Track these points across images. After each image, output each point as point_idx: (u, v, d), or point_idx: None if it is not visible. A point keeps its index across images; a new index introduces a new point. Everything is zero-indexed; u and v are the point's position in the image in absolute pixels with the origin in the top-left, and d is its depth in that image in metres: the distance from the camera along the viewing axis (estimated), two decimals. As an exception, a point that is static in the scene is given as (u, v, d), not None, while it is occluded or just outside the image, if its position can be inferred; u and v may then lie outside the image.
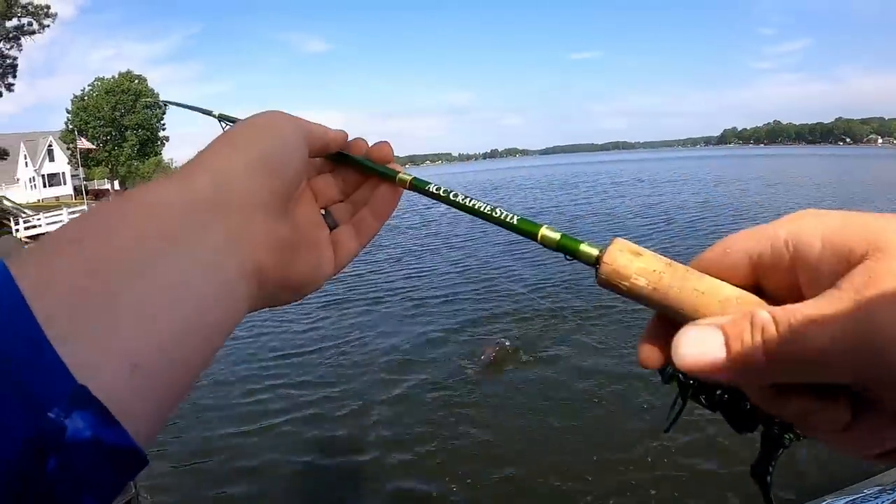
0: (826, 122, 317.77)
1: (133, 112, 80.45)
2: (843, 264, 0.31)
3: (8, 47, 50.32)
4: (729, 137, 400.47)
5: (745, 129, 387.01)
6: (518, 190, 33.06)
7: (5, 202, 42.04)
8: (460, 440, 5.48)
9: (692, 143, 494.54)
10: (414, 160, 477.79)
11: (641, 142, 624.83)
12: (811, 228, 0.33)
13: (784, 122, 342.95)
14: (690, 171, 45.05)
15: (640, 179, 35.03)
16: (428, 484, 4.84)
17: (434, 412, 6.10)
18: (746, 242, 0.36)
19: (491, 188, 37.26)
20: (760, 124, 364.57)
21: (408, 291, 11.29)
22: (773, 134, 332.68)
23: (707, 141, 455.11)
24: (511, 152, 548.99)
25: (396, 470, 5.09)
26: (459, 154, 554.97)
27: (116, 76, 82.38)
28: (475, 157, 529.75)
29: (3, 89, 50.15)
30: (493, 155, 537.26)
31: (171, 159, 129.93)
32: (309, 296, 0.54)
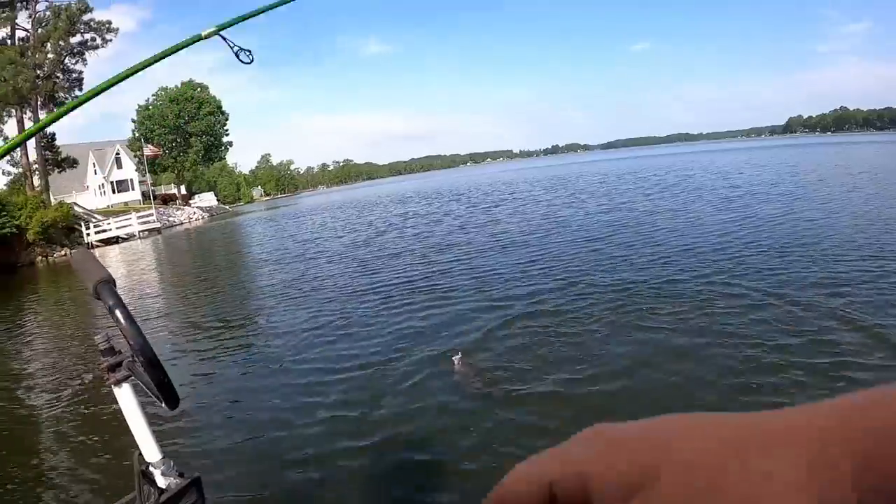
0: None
1: (197, 119, 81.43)
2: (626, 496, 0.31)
3: (73, 62, 50.81)
4: (794, 125, 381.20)
5: (810, 117, 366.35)
6: (586, 185, 30.48)
7: (76, 208, 41.94)
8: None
9: (756, 132, 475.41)
10: (474, 158, 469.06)
11: (704, 133, 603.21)
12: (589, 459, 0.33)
13: (851, 108, 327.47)
14: (761, 160, 41.19)
15: (711, 171, 31.70)
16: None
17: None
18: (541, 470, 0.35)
19: (558, 184, 34.41)
20: (827, 111, 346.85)
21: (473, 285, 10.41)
22: (841, 121, 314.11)
23: (772, 130, 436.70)
24: (572, 147, 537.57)
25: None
26: (520, 150, 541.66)
27: (179, 85, 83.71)
28: (536, 154, 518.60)
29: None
30: (553, 151, 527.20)
31: (236, 163, 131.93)
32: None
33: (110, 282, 1.27)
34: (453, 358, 6.32)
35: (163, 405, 1.25)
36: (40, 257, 34.64)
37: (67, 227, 37.34)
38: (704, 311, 7.25)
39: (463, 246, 14.12)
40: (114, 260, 29.43)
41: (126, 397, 1.40)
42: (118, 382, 1.39)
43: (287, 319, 10.16)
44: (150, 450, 1.40)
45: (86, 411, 7.18)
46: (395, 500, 4.37)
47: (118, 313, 1.20)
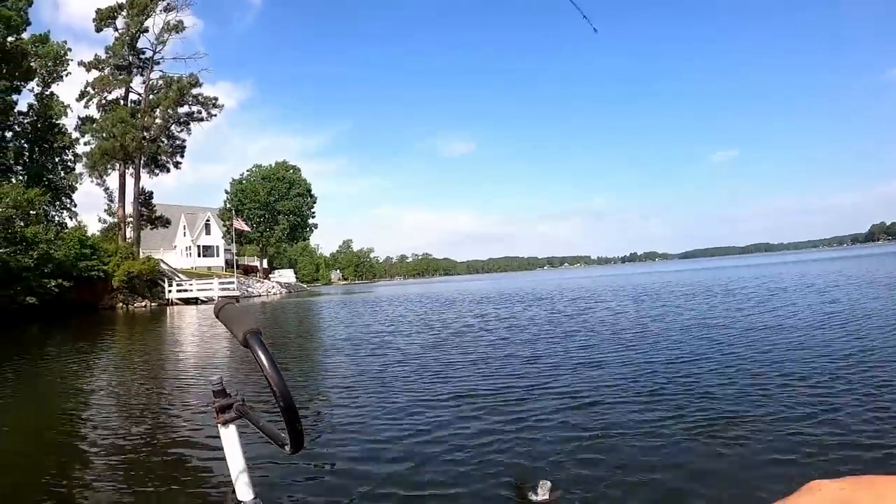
0: None
1: (286, 198, 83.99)
2: None
3: (179, 130, 54.15)
4: (877, 233, 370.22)
5: (893, 224, 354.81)
6: (674, 297, 27.54)
7: (163, 265, 42.48)
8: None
9: (838, 241, 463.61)
10: (552, 262, 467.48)
11: (785, 242, 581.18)
12: None
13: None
14: (851, 271, 38.48)
15: (803, 285, 29.02)
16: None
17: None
18: None
19: (642, 293, 32.23)
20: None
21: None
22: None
23: (854, 239, 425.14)
24: (650, 256, 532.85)
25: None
26: (598, 257, 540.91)
27: (273, 164, 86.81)
28: (614, 261, 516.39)
29: (172, 166, 53.16)
30: (631, 259, 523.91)
31: (318, 245, 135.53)
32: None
33: (259, 333, 1.26)
34: (540, 485, 5.12)
35: (285, 448, 1.28)
36: (121, 304, 35.12)
37: (151, 281, 37.95)
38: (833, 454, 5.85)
39: (548, 358, 12.58)
40: (190, 319, 30.15)
41: (230, 438, 1.43)
42: (226, 423, 1.42)
43: (348, 412, 9.34)
44: (244, 491, 1.44)
45: (165, 448, 7.21)
46: None
47: (265, 361, 1.22)
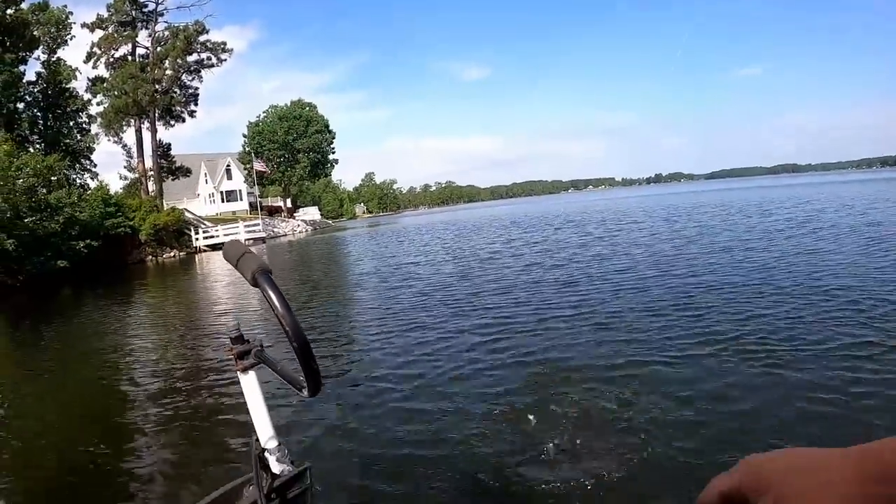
0: None
1: (304, 136, 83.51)
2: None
3: (190, 79, 53.76)
4: None
5: None
6: (709, 217, 26.53)
7: (187, 214, 43.04)
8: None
9: (867, 164, 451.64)
10: (576, 184, 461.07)
11: (813, 164, 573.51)
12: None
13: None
14: (889, 193, 35.97)
15: (840, 205, 25.96)
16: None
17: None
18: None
19: (674, 214, 30.48)
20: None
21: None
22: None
23: (884, 161, 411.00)
24: (675, 177, 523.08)
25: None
26: (623, 179, 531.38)
27: (289, 104, 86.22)
28: (639, 182, 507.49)
29: (187, 115, 53.08)
30: (656, 180, 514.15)
31: (340, 180, 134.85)
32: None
33: (268, 271, 1.26)
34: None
35: (303, 392, 1.26)
36: (150, 257, 35.78)
37: (177, 231, 38.46)
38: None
39: (583, 284, 12.22)
40: (219, 263, 29.99)
41: (250, 384, 1.44)
42: (245, 370, 1.42)
43: (382, 337, 9.59)
44: (266, 436, 1.43)
45: (198, 395, 7.43)
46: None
47: (276, 300, 1.20)
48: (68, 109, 44.91)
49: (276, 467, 1.45)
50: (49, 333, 14.24)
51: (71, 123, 45.42)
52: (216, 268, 27.45)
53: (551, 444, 5.00)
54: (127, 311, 16.53)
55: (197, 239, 39.86)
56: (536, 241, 24.01)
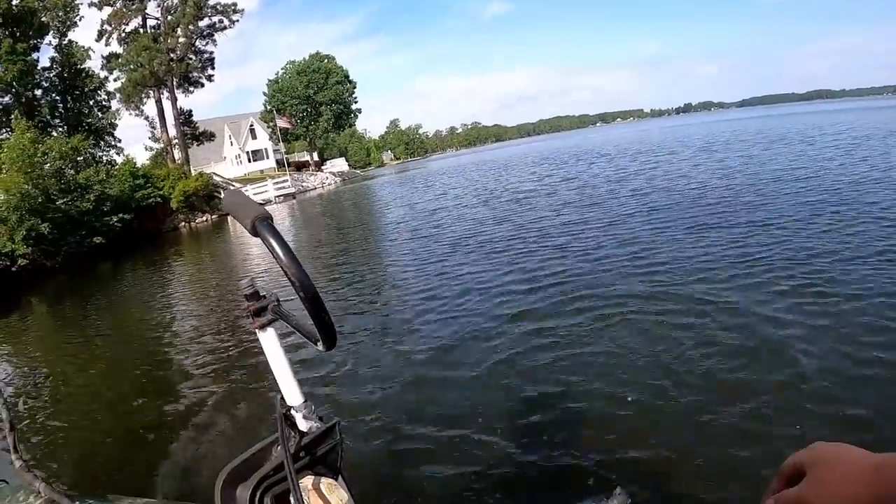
0: None
1: (325, 89, 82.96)
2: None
3: (204, 44, 52.89)
4: None
5: None
6: (747, 147, 24.62)
7: (215, 177, 43.28)
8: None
9: None
10: (604, 118, 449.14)
11: (847, 89, 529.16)
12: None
13: None
14: None
15: (891, 131, 24.54)
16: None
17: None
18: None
19: (711, 144, 29.11)
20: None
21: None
22: None
23: None
24: (706, 106, 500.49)
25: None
26: (651, 110, 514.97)
27: (307, 58, 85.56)
28: (668, 113, 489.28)
29: (205, 80, 52.76)
30: (686, 109, 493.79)
31: (365, 130, 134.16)
32: None
33: (268, 218, 1.15)
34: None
35: (318, 346, 1.19)
36: (183, 223, 36.20)
37: (207, 195, 38.64)
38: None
39: (623, 223, 11.61)
40: None
41: (270, 342, 1.36)
42: (263, 327, 1.34)
43: (419, 286, 9.62)
44: (292, 393, 1.39)
45: (232, 356, 7.68)
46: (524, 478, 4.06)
47: (278, 249, 1.10)
48: (86, 89, 44.99)
49: (303, 425, 1.40)
50: (91, 309, 14.66)
51: (91, 103, 45.59)
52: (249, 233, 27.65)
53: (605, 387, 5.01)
54: (164, 279, 16.92)
55: (227, 201, 40.06)
56: (570, 177, 23.53)
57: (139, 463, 5.31)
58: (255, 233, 1.16)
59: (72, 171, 30.34)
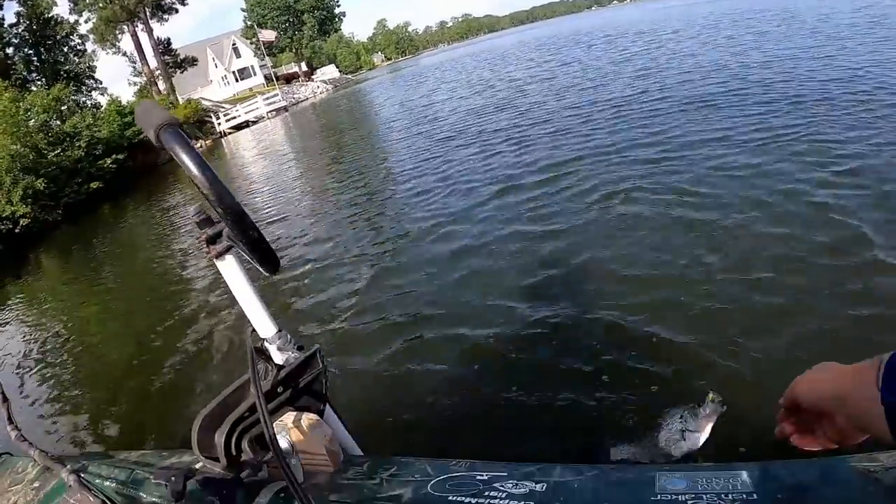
0: None
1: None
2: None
3: None
4: None
5: None
6: (767, 22, 20.20)
7: (204, 102, 42.45)
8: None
9: None
10: (599, 1, 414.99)
11: None
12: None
13: None
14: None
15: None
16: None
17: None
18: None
19: (716, 22, 24.32)
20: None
21: None
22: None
23: None
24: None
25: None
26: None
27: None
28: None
29: (178, 5, 51.24)
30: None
31: (352, 33, 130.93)
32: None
33: (175, 125, 1.06)
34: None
35: (260, 270, 1.17)
36: None
37: (199, 121, 38.05)
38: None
39: (630, 105, 10.48)
40: (247, 141, 30.99)
41: (231, 271, 1.29)
42: (220, 255, 1.26)
43: (417, 180, 9.48)
44: (263, 325, 1.34)
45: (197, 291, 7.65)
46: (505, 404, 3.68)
47: (187, 160, 1.04)
48: (58, 37, 44.22)
49: (278, 357, 1.36)
50: (99, 256, 14.72)
51: (65, 49, 45.01)
52: (245, 150, 27.79)
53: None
54: (165, 212, 16.86)
55: (219, 124, 39.20)
56: (568, 61, 21.92)
57: (151, 416, 5.20)
58: (159, 143, 1.06)
59: (58, 122, 29.82)
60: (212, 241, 1.25)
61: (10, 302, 12.49)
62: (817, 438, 0.88)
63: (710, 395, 2.50)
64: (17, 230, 22.89)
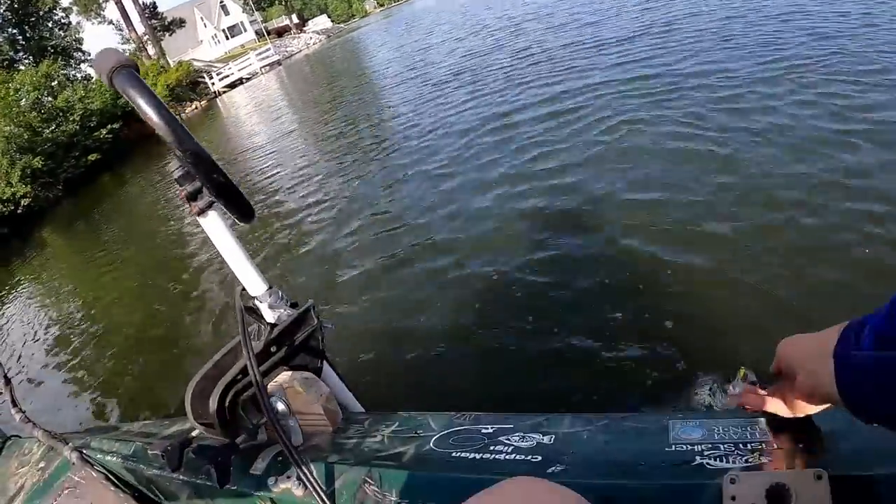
0: None
1: (288, -56, 78.67)
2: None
3: None
4: None
5: None
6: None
7: (195, 63, 41.66)
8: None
9: None
10: None
11: None
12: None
13: None
14: None
15: None
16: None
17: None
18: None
19: None
20: None
21: None
22: None
23: None
24: None
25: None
26: None
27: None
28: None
29: None
30: None
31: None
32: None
33: (129, 66, 1.02)
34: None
35: (233, 219, 1.16)
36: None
37: (192, 83, 37.45)
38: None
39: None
40: (242, 99, 30.52)
41: (215, 228, 1.21)
42: (202, 212, 1.18)
43: (415, 132, 8.94)
44: (253, 283, 1.29)
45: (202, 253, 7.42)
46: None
47: (140, 101, 0.98)
48: (41, 13, 43.24)
49: (270, 315, 1.31)
50: (103, 227, 14.55)
51: (49, 25, 43.94)
52: (240, 108, 27.51)
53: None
54: (165, 179, 16.39)
55: (213, 84, 38.50)
56: None
57: (163, 384, 5.03)
58: (113, 87, 1.00)
59: (49, 99, 29.55)
60: (192, 197, 1.15)
61: (16, 281, 12.49)
62: (768, 401, 0.90)
63: (742, 372, 2.09)
64: (18, 211, 22.79)
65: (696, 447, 0.95)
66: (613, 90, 7.32)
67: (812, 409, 0.84)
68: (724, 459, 0.90)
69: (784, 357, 0.84)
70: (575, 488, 0.71)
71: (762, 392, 0.93)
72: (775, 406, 0.89)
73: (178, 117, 0.99)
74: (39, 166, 24.52)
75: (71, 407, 5.44)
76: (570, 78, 8.56)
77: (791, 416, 0.87)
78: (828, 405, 0.81)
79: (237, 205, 1.11)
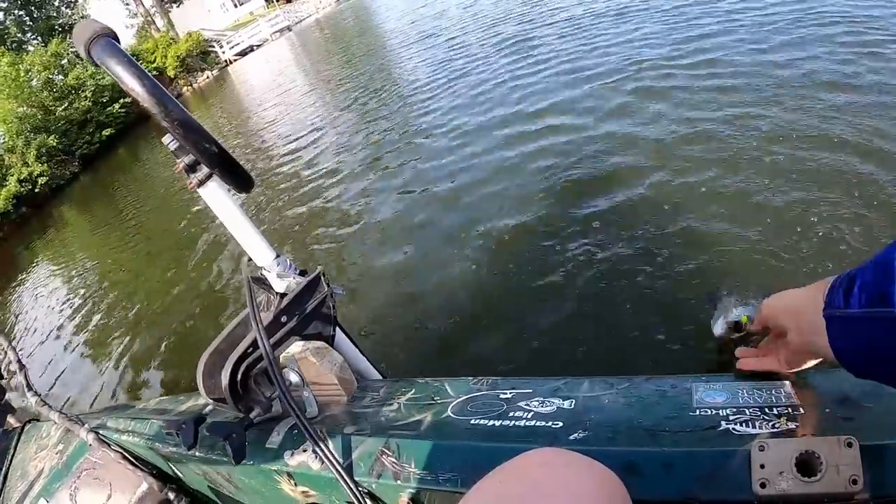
0: None
1: None
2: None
3: None
4: None
5: None
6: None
7: (205, 33, 41.22)
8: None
9: None
10: None
11: None
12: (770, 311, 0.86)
13: None
14: None
15: None
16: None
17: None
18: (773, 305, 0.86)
19: None
20: None
21: None
22: None
23: None
24: None
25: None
26: None
27: None
28: None
29: None
30: None
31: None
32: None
33: (106, 35, 0.96)
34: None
35: (231, 189, 1.14)
36: (186, 87, 35.16)
37: (202, 53, 37.13)
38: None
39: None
40: (253, 66, 30.19)
41: (217, 200, 1.19)
42: (202, 183, 1.16)
43: (430, 95, 8.45)
44: (259, 252, 1.26)
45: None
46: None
47: (120, 71, 0.94)
48: (47, -8, 43.38)
49: (279, 285, 1.28)
50: (120, 199, 14.47)
51: (56, 4, 44.07)
52: (252, 74, 27.25)
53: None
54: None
55: (223, 52, 38.07)
56: None
57: (187, 360, 4.76)
58: (90, 56, 0.95)
59: (60, 77, 29.44)
60: (191, 169, 1.12)
61: (37, 261, 12.55)
62: (761, 360, 0.92)
63: (745, 318, 1.89)
64: (36, 190, 22.82)
65: (721, 411, 0.92)
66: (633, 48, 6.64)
67: (806, 365, 0.85)
68: (751, 424, 0.87)
69: (771, 314, 0.85)
70: (598, 456, 0.70)
71: (753, 350, 0.94)
72: (769, 363, 0.90)
73: (158, 84, 0.93)
74: (54, 144, 24.53)
75: (90, 384, 5.34)
76: (595, 43, 7.64)
77: (786, 371, 0.88)
78: (819, 360, 0.82)
79: (234, 175, 1.06)
